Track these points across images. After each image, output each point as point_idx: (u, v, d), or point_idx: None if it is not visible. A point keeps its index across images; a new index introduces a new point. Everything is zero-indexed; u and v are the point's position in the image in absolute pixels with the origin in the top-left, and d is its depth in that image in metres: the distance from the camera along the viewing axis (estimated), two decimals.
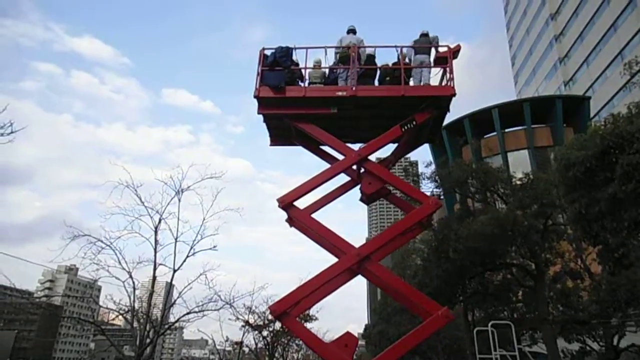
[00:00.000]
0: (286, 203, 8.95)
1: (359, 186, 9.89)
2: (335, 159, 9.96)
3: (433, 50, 9.73)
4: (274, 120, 10.01)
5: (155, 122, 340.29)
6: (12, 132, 6.89)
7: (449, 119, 39.58)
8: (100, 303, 15.20)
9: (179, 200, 12.97)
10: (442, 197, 28.99)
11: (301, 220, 9.36)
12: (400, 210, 10.87)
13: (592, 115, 34.24)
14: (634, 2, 32.24)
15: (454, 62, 9.39)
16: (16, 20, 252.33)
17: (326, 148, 10.40)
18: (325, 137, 9.43)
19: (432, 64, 9.65)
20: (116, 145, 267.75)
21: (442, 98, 9.19)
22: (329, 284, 8.83)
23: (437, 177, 18.79)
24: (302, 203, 9.43)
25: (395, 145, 10.26)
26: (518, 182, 17.62)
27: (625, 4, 33.49)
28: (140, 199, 12.57)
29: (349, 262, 8.50)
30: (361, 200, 10.23)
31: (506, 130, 36.21)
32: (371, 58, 9.83)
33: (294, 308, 8.52)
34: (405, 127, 9.18)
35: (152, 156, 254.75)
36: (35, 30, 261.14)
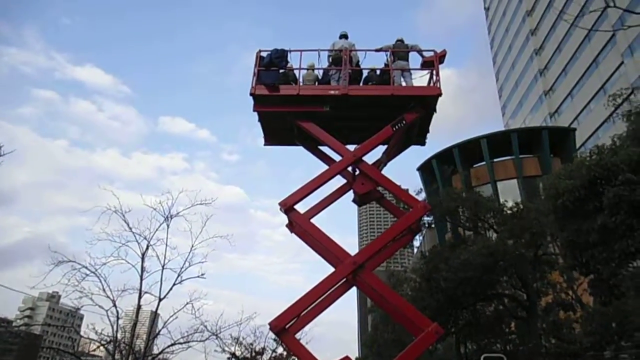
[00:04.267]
0: (288, 206, 9.00)
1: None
2: (333, 161, 10.21)
3: (415, 55, 10.30)
4: (268, 120, 10.34)
5: (151, 149, 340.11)
6: (0, 156, 6.77)
7: (438, 147, 39.71)
8: (82, 333, 14.61)
9: (168, 226, 12.73)
10: (433, 225, 28.91)
11: (301, 225, 9.40)
12: (392, 215, 11.03)
13: (578, 146, 34.97)
14: (613, 39, 33.64)
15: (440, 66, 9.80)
16: (20, 49, 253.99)
17: (324, 149, 10.64)
18: (324, 137, 9.67)
19: (412, 68, 10.21)
20: (110, 171, 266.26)
21: (430, 97, 9.65)
22: (326, 298, 8.78)
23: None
24: (300, 209, 9.49)
25: (385, 147, 10.52)
26: (508, 212, 17.72)
27: (605, 42, 34.92)
28: (128, 225, 12.30)
29: (346, 271, 8.51)
30: (354, 201, 10.44)
31: (495, 160, 36.76)
32: (358, 64, 10.36)
33: (292, 324, 8.40)
34: (396, 127, 9.53)
35: (146, 183, 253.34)
36: (38, 59, 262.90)
